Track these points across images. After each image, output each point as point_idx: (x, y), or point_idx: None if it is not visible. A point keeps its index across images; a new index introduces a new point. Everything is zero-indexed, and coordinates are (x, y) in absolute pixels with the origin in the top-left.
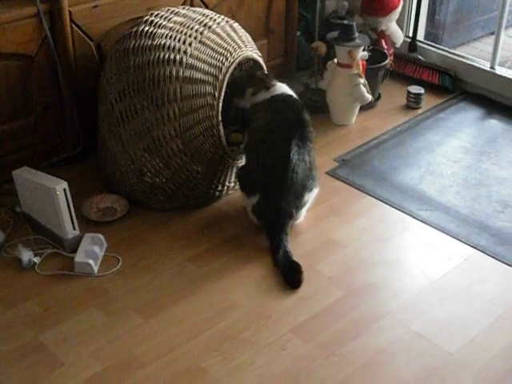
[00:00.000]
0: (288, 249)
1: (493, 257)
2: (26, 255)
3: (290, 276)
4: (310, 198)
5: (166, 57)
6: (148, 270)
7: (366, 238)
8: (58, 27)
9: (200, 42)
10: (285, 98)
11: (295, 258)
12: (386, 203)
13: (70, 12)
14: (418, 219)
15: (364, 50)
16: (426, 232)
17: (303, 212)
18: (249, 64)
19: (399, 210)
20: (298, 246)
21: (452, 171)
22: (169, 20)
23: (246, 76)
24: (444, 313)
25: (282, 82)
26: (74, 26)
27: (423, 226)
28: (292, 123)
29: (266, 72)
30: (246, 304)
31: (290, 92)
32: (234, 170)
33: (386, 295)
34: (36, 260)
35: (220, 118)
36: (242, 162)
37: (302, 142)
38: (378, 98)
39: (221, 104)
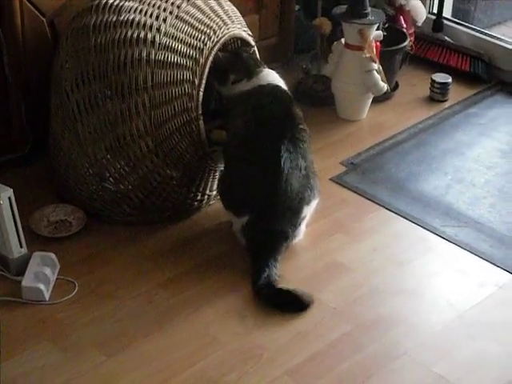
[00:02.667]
0: (273, 277)
1: None
2: None
3: (287, 303)
4: (309, 211)
5: (135, 35)
6: (110, 298)
7: (379, 261)
8: (4, 0)
9: (177, 17)
10: (269, 89)
11: (283, 286)
12: (404, 217)
13: None
14: (443, 238)
15: (378, 28)
16: (452, 253)
17: (302, 228)
18: (235, 44)
19: (420, 226)
20: (296, 270)
21: (485, 179)
22: None
23: (230, 58)
24: (474, 352)
25: (275, 67)
26: None
27: (450, 247)
28: (278, 121)
29: (253, 54)
30: (231, 340)
31: (277, 82)
32: (217, 176)
33: (402, 331)
34: None
35: (200, 111)
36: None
37: (294, 145)
38: (395, 87)
39: (201, 94)
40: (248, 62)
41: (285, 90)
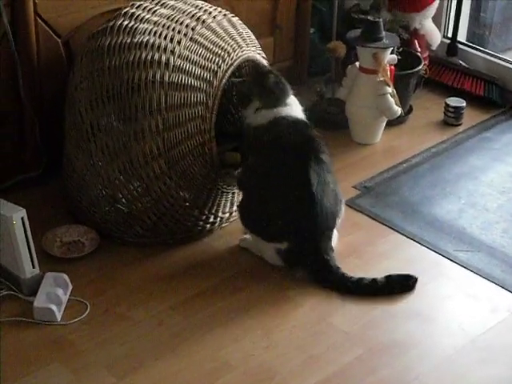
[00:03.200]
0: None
1: None
2: None
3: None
4: (340, 219)
5: (149, 57)
6: (122, 319)
7: None
8: (20, 21)
9: (191, 39)
10: (289, 121)
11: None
12: (418, 242)
13: (34, 3)
14: (455, 262)
15: (392, 52)
16: (465, 278)
17: (336, 235)
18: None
19: (433, 250)
20: (308, 293)
21: (498, 204)
22: (153, 13)
23: (255, 81)
24: (486, 377)
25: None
26: (38, 19)
27: (462, 271)
28: (299, 146)
29: (279, 79)
30: (242, 363)
31: (298, 115)
32: (229, 198)
33: (413, 355)
34: None
35: (214, 134)
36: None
37: (318, 163)
38: (409, 111)
39: (215, 116)
40: (274, 90)
41: (304, 121)
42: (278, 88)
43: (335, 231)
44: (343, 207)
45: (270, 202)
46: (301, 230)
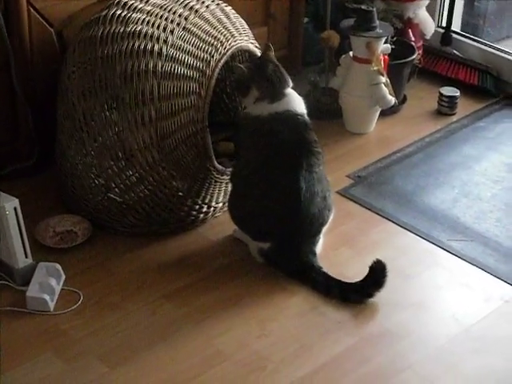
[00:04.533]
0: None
1: None
2: None
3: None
4: (326, 226)
5: (142, 47)
6: (115, 309)
7: None
8: (12, 10)
9: (184, 28)
10: (285, 117)
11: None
12: (411, 231)
13: None
14: (449, 252)
15: (386, 41)
16: (458, 268)
17: (320, 242)
18: (244, 57)
19: (427, 239)
20: (300, 282)
21: (492, 193)
22: (146, 2)
23: (254, 70)
24: (478, 367)
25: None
26: (30, 8)
27: (456, 261)
28: (293, 150)
29: (278, 69)
30: (236, 352)
31: (296, 107)
32: (223, 188)
33: (407, 344)
34: None
35: (207, 123)
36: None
37: (310, 172)
38: (402, 100)
39: (208, 105)
40: (274, 81)
41: (300, 117)
42: (277, 78)
43: (321, 237)
44: (331, 216)
45: (256, 200)
46: (283, 232)
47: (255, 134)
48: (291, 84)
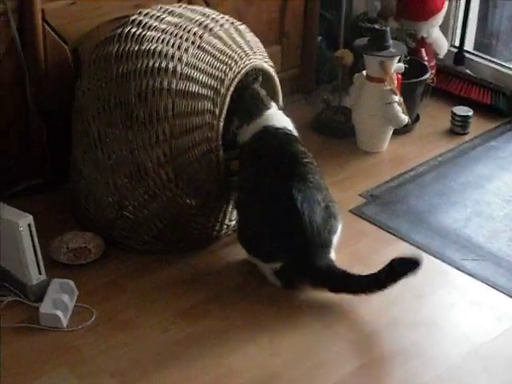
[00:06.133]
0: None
1: None
2: None
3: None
4: (337, 237)
5: (157, 65)
6: (127, 326)
7: (397, 293)
8: (28, 27)
9: (199, 47)
10: (268, 134)
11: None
12: (424, 250)
13: (42, 10)
14: (461, 271)
15: (400, 61)
16: (471, 287)
17: (333, 255)
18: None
19: (439, 258)
20: (313, 301)
21: (505, 213)
22: (161, 20)
23: (236, 98)
24: None
25: (297, 98)
26: (46, 26)
27: (468, 280)
28: (282, 166)
29: (258, 92)
30: (248, 370)
31: (279, 124)
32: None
33: (419, 364)
34: None
35: (220, 142)
36: None
37: (304, 182)
38: (415, 120)
39: (222, 124)
40: (249, 105)
41: (284, 131)
42: (253, 104)
43: (333, 252)
44: (340, 224)
45: (258, 221)
46: (291, 247)
47: (244, 159)
48: (273, 106)
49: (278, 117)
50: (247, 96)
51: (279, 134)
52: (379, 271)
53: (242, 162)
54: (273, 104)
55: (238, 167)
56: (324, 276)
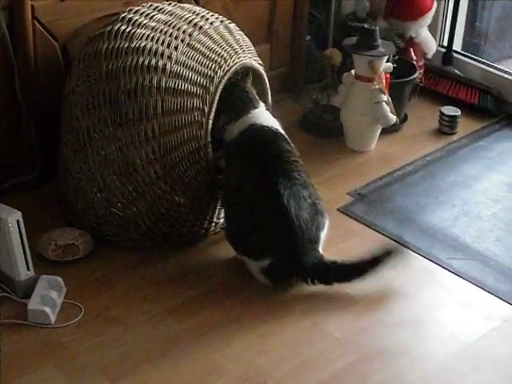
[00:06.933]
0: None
1: None
2: None
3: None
4: (324, 234)
5: (146, 62)
6: (115, 323)
7: (384, 292)
8: (18, 24)
9: (188, 45)
10: (253, 132)
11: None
12: (411, 249)
13: (32, 6)
14: (449, 270)
15: (388, 60)
16: (458, 286)
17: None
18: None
19: (426, 258)
20: (300, 299)
21: (492, 212)
22: (151, 18)
23: (224, 95)
24: None
25: (285, 97)
26: (36, 23)
27: (455, 279)
28: (267, 164)
29: (246, 90)
30: (236, 367)
31: (265, 122)
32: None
33: (406, 362)
34: None
35: (209, 139)
36: None
37: (289, 179)
38: (403, 119)
39: (211, 122)
40: (237, 103)
41: (270, 129)
42: (241, 101)
43: (320, 250)
44: (326, 221)
45: (244, 218)
46: (279, 243)
47: (230, 156)
48: (260, 106)
49: (265, 115)
50: (236, 93)
51: (266, 131)
52: (363, 261)
53: (228, 159)
54: (261, 103)
55: (225, 164)
56: (314, 271)
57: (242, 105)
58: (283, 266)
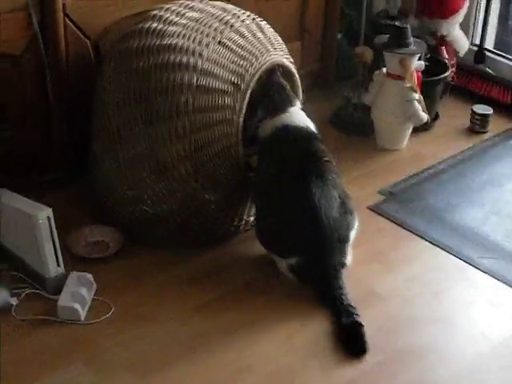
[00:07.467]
0: (349, 305)
1: None
2: (1, 296)
3: (351, 341)
4: (354, 234)
5: (177, 60)
6: (144, 320)
7: (415, 290)
8: (49, 22)
9: (219, 42)
10: (290, 129)
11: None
12: (441, 248)
13: (63, 4)
14: (479, 269)
15: (420, 58)
16: (488, 285)
17: (350, 253)
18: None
19: (457, 256)
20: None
21: None
22: (182, 16)
23: (261, 91)
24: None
25: (316, 94)
26: (67, 20)
27: (485, 278)
28: (302, 162)
29: (284, 88)
30: (264, 366)
31: (299, 122)
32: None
33: (435, 360)
34: (13, 302)
35: (240, 137)
36: None
37: (322, 178)
38: (435, 117)
39: (242, 119)
40: (275, 100)
41: (306, 129)
42: (280, 97)
43: (350, 248)
44: (356, 220)
45: (275, 216)
46: (308, 242)
47: (263, 154)
48: (297, 104)
49: (300, 114)
50: (274, 89)
51: (301, 131)
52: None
53: (261, 156)
54: (297, 101)
55: (257, 161)
56: (328, 279)
57: (280, 100)
58: (311, 265)
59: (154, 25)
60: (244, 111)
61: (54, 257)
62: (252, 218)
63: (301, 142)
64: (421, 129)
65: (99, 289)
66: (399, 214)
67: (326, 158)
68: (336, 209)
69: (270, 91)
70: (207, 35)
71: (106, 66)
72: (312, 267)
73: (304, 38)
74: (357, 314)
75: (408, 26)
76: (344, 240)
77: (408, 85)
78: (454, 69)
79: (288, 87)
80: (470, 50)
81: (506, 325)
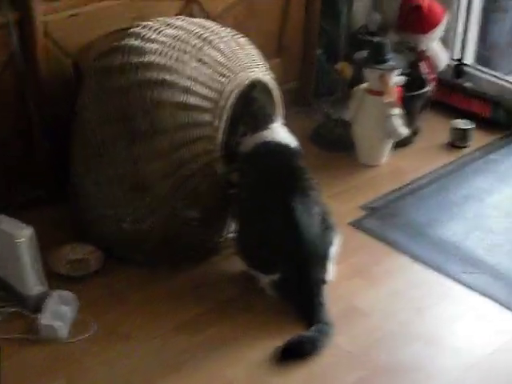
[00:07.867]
0: (325, 323)
1: None
2: None
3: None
4: (335, 249)
5: (156, 77)
6: (127, 338)
7: (397, 306)
8: (29, 40)
9: (198, 60)
10: (272, 146)
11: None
12: (423, 263)
13: (43, 22)
14: (461, 284)
15: (399, 74)
16: (470, 300)
17: (331, 268)
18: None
19: (439, 272)
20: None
21: (505, 226)
22: (161, 33)
23: (242, 107)
24: None
25: (296, 111)
26: (47, 39)
27: (468, 293)
28: (283, 180)
29: (264, 103)
30: (246, 382)
31: (282, 139)
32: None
33: (418, 377)
34: None
35: (220, 153)
36: None
37: (304, 195)
38: (415, 132)
39: (221, 136)
40: (258, 117)
41: (287, 146)
42: (261, 114)
43: (331, 264)
44: (337, 237)
45: (255, 232)
46: (289, 258)
47: (244, 170)
48: (278, 120)
49: (281, 131)
50: (255, 106)
51: (282, 147)
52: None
53: (243, 172)
54: (278, 118)
55: (238, 178)
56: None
57: (261, 117)
58: (292, 281)
59: (134, 42)
60: (224, 128)
61: (36, 275)
62: (233, 235)
63: (282, 159)
64: (401, 144)
65: (81, 307)
66: (380, 229)
67: (306, 176)
68: (317, 225)
69: (250, 108)
70: (186, 52)
71: (86, 84)
72: (293, 283)
73: (283, 54)
74: (329, 333)
75: (387, 41)
76: (325, 256)
77: (388, 100)
78: (433, 83)
79: (268, 103)
80: (449, 64)
81: (488, 339)
